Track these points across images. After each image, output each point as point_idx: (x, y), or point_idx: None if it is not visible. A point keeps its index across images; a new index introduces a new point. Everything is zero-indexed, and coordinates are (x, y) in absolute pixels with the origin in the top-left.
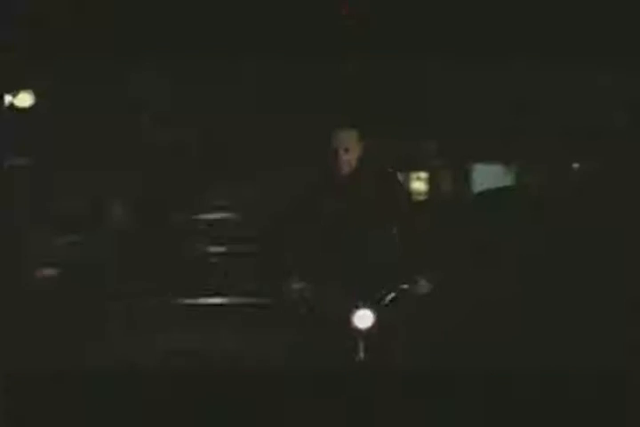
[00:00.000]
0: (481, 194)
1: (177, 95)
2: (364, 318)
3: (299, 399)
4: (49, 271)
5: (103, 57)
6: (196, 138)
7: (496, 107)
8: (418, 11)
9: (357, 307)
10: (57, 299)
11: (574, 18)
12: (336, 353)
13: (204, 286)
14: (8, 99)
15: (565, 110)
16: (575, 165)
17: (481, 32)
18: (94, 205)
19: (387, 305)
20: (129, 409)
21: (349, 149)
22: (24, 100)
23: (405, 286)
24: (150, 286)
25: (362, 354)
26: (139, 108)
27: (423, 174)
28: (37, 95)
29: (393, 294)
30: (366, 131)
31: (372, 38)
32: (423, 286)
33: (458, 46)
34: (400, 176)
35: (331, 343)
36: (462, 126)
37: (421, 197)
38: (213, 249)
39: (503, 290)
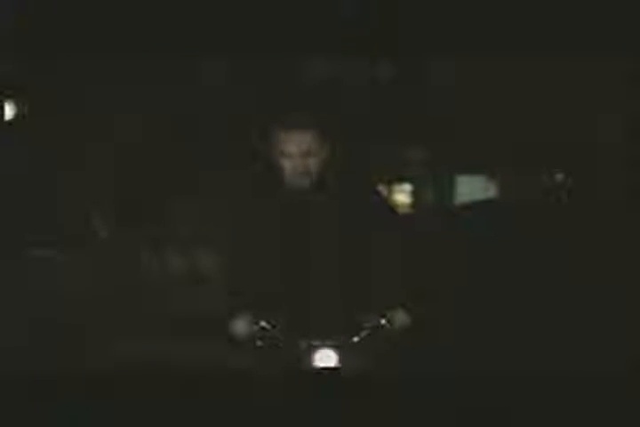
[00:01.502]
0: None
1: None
2: (324, 361)
3: None
4: None
5: None
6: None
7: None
8: (414, 9)
9: (318, 347)
10: None
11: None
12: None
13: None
14: None
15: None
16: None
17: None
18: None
19: (357, 343)
20: None
21: (309, 153)
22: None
23: (382, 321)
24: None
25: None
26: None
27: (406, 186)
28: None
29: (365, 331)
30: (333, 131)
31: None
32: (401, 319)
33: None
34: (380, 188)
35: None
36: (448, 133)
37: (401, 211)
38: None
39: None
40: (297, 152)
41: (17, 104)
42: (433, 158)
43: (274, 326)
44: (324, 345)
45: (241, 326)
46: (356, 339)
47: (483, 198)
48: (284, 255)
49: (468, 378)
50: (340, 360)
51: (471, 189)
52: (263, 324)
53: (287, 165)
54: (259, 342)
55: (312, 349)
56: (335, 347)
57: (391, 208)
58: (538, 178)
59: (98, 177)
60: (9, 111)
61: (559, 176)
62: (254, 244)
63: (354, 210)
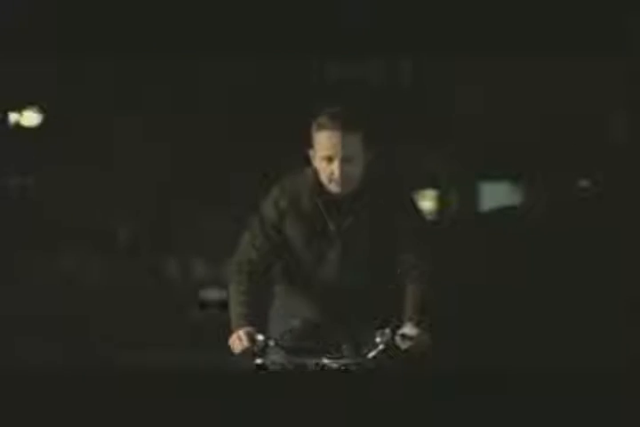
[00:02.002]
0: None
1: None
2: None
3: None
4: None
5: None
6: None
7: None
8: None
9: (328, 365)
10: None
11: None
12: None
13: None
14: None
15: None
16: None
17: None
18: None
19: (372, 358)
20: None
21: (354, 159)
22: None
23: (399, 335)
24: None
25: None
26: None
27: (431, 192)
28: None
29: (381, 347)
30: (379, 133)
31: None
32: (420, 335)
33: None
34: (414, 195)
35: None
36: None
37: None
38: None
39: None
40: (337, 156)
41: (41, 111)
42: (458, 164)
43: (276, 343)
44: (335, 364)
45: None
46: (374, 352)
47: (509, 204)
48: (304, 268)
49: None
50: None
51: (496, 194)
52: (260, 337)
53: (326, 170)
54: (258, 360)
55: (322, 368)
56: (348, 365)
57: (426, 221)
58: (566, 182)
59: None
60: (33, 118)
61: (588, 181)
62: (270, 254)
63: (387, 222)
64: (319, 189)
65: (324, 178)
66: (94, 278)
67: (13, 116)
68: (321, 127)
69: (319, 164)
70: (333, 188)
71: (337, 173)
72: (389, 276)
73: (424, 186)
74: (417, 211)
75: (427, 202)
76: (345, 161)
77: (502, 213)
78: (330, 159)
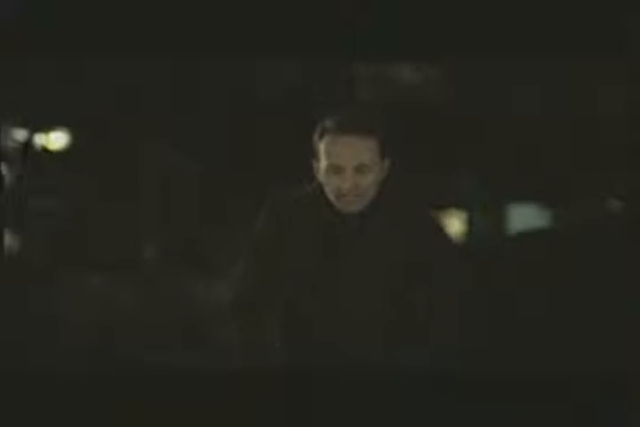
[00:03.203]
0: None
1: None
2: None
3: None
4: None
5: None
6: None
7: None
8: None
9: None
10: None
11: None
12: None
13: None
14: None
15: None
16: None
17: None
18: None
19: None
20: None
21: (368, 168)
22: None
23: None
24: None
25: None
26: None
27: (459, 213)
28: None
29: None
30: (397, 142)
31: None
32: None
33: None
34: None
35: None
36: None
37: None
38: None
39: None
40: (348, 165)
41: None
42: (487, 186)
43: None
44: None
45: None
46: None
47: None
48: (310, 302)
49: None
50: None
51: (525, 217)
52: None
53: (334, 182)
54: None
55: None
56: None
57: (451, 243)
58: (595, 204)
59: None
60: (61, 140)
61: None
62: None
63: (407, 245)
64: (325, 207)
65: (330, 193)
66: (122, 297)
67: (41, 139)
68: (327, 132)
69: (325, 176)
70: (343, 205)
71: (347, 186)
72: (410, 309)
73: (452, 207)
74: (441, 232)
75: (455, 223)
76: (357, 172)
77: (530, 235)
78: (338, 170)
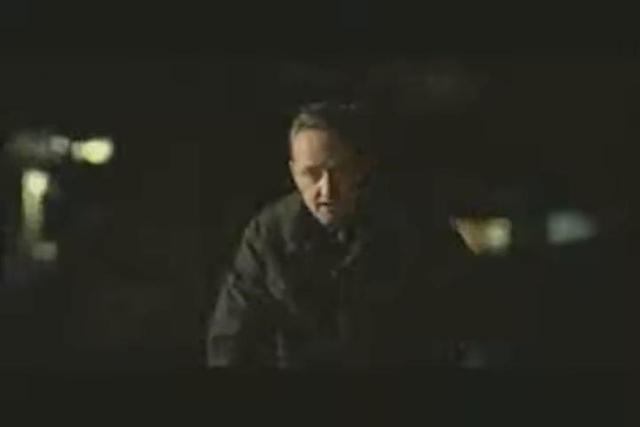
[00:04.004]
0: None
1: None
2: None
3: None
4: None
5: None
6: None
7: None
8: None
9: None
10: None
11: None
12: None
13: None
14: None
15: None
16: None
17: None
18: None
19: None
20: None
21: (348, 170)
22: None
23: None
24: None
25: None
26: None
27: (502, 223)
28: None
29: None
30: (381, 136)
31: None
32: None
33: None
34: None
35: None
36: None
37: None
38: None
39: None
40: (325, 166)
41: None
42: (530, 196)
43: None
44: None
45: None
46: None
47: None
48: (300, 335)
49: None
50: None
51: (569, 226)
52: None
53: (311, 188)
54: None
55: None
56: None
57: (470, 259)
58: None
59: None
60: (102, 149)
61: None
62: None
63: (411, 262)
64: (306, 218)
65: (309, 201)
66: (155, 310)
67: (81, 148)
68: (301, 127)
69: (301, 180)
70: (322, 214)
71: (325, 190)
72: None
73: (494, 216)
74: (454, 245)
75: (497, 232)
76: (336, 173)
77: (572, 244)
78: (314, 172)
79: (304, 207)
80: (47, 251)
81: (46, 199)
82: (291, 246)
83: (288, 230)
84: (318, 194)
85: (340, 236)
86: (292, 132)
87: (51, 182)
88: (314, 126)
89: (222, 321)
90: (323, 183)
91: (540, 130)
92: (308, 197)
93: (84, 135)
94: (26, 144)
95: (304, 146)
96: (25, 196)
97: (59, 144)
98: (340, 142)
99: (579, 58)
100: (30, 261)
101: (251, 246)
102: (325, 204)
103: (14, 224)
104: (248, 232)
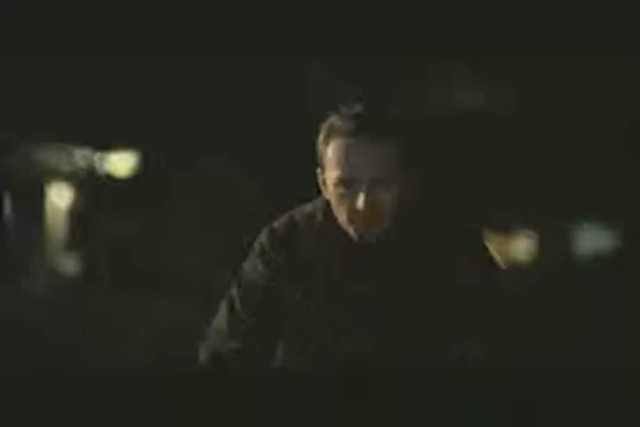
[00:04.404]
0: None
1: None
2: None
3: None
4: None
5: None
6: None
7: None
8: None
9: None
10: None
11: None
12: None
13: None
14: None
15: None
16: None
17: None
18: None
19: None
20: None
21: (389, 181)
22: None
23: None
24: None
25: None
26: None
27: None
28: None
29: None
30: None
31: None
32: None
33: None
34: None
35: None
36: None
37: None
38: None
39: None
40: (364, 178)
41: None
42: (552, 206)
43: None
44: None
45: None
46: None
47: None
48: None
49: None
50: None
51: (591, 239)
52: None
53: (344, 201)
54: None
55: None
56: None
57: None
58: None
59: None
60: (128, 162)
61: None
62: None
63: (440, 278)
64: (334, 231)
65: (340, 214)
66: (181, 322)
67: (105, 161)
68: (335, 133)
69: (332, 192)
70: (356, 228)
71: (362, 204)
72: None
73: (516, 229)
74: (485, 261)
75: (520, 245)
76: (376, 186)
77: (597, 257)
78: (350, 185)
79: (327, 218)
80: (72, 263)
81: (71, 212)
82: (316, 257)
83: (314, 240)
84: (353, 208)
85: (374, 250)
86: (322, 137)
87: (75, 195)
88: (350, 133)
89: (222, 333)
90: (360, 197)
91: (567, 140)
92: (340, 209)
93: (109, 147)
94: (50, 156)
95: (339, 155)
96: (49, 208)
97: (83, 156)
98: (381, 152)
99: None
100: (55, 274)
101: (263, 256)
102: (361, 219)
103: (39, 237)
104: (260, 241)
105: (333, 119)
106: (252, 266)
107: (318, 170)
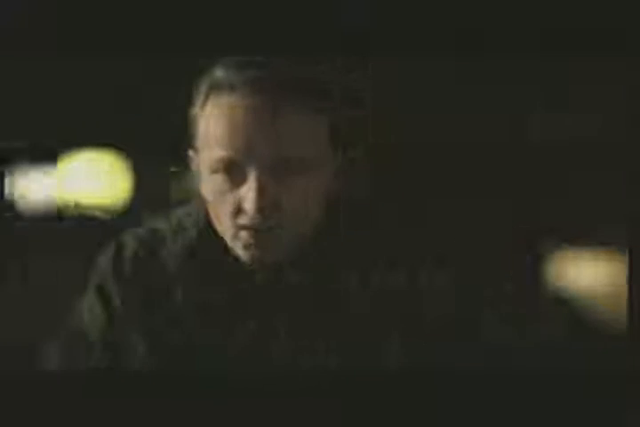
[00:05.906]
0: None
1: None
2: None
3: None
4: None
5: None
6: None
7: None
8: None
9: None
10: None
11: None
12: None
13: None
14: None
15: None
16: None
17: None
18: None
19: None
20: None
21: (305, 167)
22: None
23: None
24: None
25: None
26: None
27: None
28: None
29: None
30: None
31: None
32: None
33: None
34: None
35: None
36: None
37: None
38: None
39: None
40: (243, 157)
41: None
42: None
43: None
44: None
45: None
46: None
47: None
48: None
49: None
50: None
51: None
52: None
53: (216, 195)
54: None
55: None
56: None
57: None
58: None
59: None
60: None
61: None
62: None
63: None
64: (208, 251)
65: (219, 221)
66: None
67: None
68: (214, 91)
69: (207, 183)
70: (242, 248)
71: (251, 204)
72: None
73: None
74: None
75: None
76: (275, 174)
77: None
78: (233, 171)
79: (204, 232)
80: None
81: None
82: (178, 294)
83: (173, 268)
84: (238, 210)
85: (266, 277)
86: (196, 100)
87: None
88: (235, 90)
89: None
90: (248, 191)
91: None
92: (218, 213)
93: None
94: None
95: (218, 125)
96: None
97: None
98: (285, 119)
99: None
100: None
101: (101, 288)
102: (250, 228)
103: None
104: (99, 265)
105: (216, 71)
106: (89, 304)
107: (190, 152)
